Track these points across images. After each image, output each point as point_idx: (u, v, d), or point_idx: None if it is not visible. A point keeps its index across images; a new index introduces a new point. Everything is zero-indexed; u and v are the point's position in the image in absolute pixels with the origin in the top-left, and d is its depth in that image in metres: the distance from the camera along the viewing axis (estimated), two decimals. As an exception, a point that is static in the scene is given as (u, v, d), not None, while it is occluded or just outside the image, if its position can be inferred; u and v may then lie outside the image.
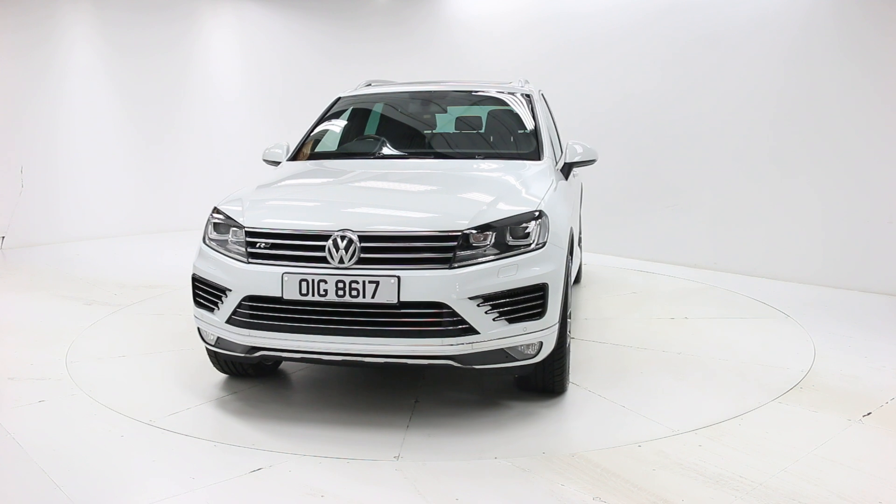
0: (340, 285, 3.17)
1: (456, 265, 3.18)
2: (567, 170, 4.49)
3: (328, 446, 3.23)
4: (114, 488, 2.89)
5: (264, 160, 4.80)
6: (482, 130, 4.94)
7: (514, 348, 3.31)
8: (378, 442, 3.29)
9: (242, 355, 3.48)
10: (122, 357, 4.48)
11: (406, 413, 3.61)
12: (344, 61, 10.38)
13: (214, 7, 10.10)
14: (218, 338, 3.53)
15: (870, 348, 4.63)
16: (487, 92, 5.02)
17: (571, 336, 4.20)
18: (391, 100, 5.13)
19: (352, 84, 5.59)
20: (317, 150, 4.76)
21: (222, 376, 4.11)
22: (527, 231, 3.36)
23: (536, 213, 3.41)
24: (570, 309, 3.95)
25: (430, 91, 5.08)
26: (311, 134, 4.87)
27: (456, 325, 3.16)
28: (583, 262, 6.87)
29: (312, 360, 3.44)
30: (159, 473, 3.00)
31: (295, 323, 3.26)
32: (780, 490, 2.83)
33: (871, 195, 6.14)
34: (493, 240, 3.27)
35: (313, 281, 3.20)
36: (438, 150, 4.60)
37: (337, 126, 5.03)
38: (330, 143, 4.90)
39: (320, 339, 3.24)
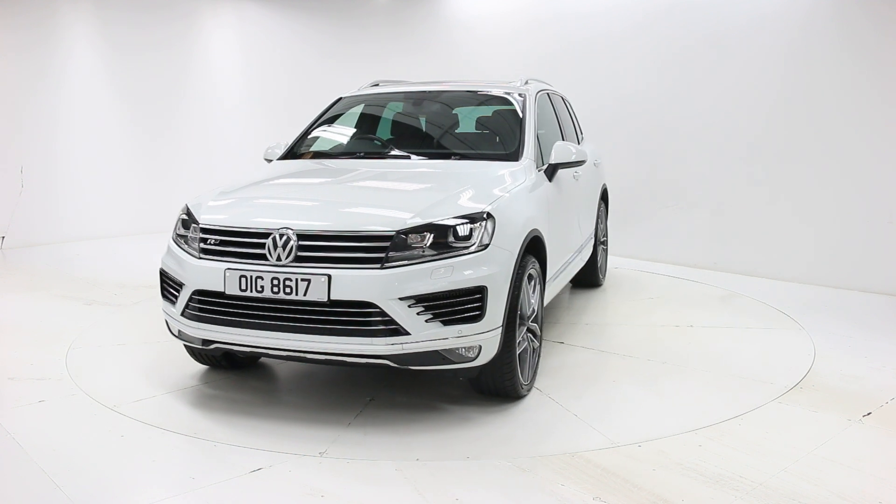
0: (276, 282, 3.24)
1: (388, 265, 3.19)
2: (551, 171, 4.38)
3: (328, 446, 3.23)
4: (114, 488, 2.89)
5: (265, 159, 4.87)
6: (469, 130, 4.91)
7: (450, 350, 3.27)
8: (380, 442, 3.30)
9: (201, 347, 3.61)
10: (122, 357, 4.48)
11: (409, 413, 3.61)
12: (344, 60, 10.38)
13: (214, 7, 10.10)
14: (179, 330, 3.65)
15: (870, 348, 4.63)
16: (482, 92, 4.98)
17: (543, 339, 4.15)
18: (386, 100, 5.16)
19: (354, 83, 5.61)
20: (308, 149, 4.83)
21: (222, 377, 4.11)
22: (469, 233, 3.32)
23: (482, 215, 3.37)
24: (537, 311, 3.88)
25: (425, 91, 5.06)
26: (306, 134, 4.96)
27: (386, 326, 3.16)
28: (608, 265, 6.75)
29: (260, 354, 3.56)
30: (159, 473, 3.00)
31: (237, 317, 3.36)
32: (780, 490, 2.83)
33: (870, 195, 6.13)
34: (430, 241, 3.25)
35: (251, 277, 3.29)
36: (417, 151, 4.53)
37: (332, 126, 5.11)
38: (322, 143, 4.96)
39: (260, 334, 3.32)
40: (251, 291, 3.29)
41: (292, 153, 4.80)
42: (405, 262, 3.20)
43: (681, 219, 7.42)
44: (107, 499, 2.81)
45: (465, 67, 9.13)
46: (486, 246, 3.31)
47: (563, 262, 4.74)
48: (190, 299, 3.48)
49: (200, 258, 3.49)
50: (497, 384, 3.60)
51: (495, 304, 3.32)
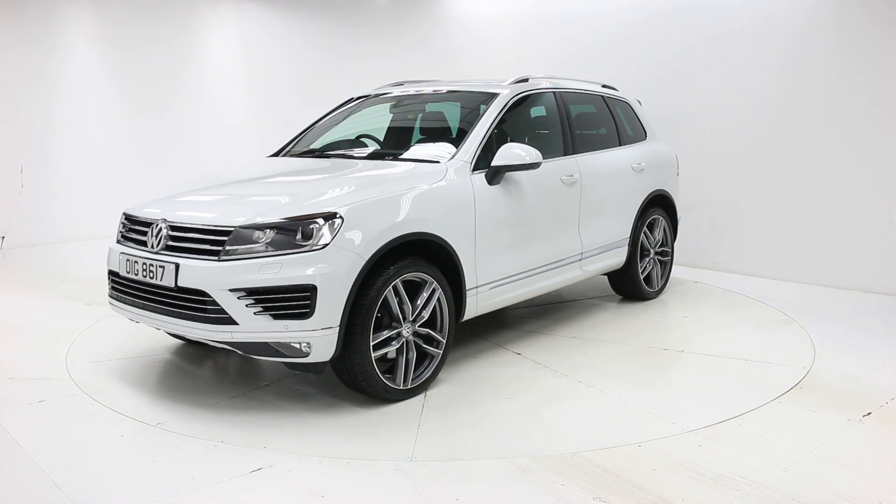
0: (145, 267, 3.64)
1: (224, 258, 3.39)
2: (493, 174, 4.21)
3: (328, 446, 3.23)
4: (114, 488, 2.89)
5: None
6: (433, 129, 4.92)
7: (283, 344, 3.39)
8: (380, 442, 3.30)
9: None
10: (122, 357, 4.48)
11: (409, 413, 3.61)
12: (344, 58, 10.37)
13: (214, 6, 10.09)
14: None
15: (870, 348, 4.62)
16: (457, 92, 4.95)
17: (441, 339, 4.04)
18: (377, 102, 5.26)
19: (353, 81, 5.71)
20: (292, 147, 5.09)
21: (222, 376, 4.12)
22: (310, 232, 3.40)
23: (325, 215, 3.44)
24: (446, 318, 3.88)
25: (409, 93, 5.13)
26: (301, 133, 5.23)
27: (218, 314, 3.36)
28: (667, 279, 6.13)
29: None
30: (159, 473, 3.00)
31: (127, 296, 3.81)
32: (780, 490, 2.83)
33: (870, 195, 6.13)
34: (271, 237, 3.40)
35: (130, 261, 3.75)
36: (361, 153, 4.71)
37: (323, 125, 5.28)
38: (304, 142, 5.16)
39: (140, 313, 3.72)
40: (132, 274, 3.72)
41: (289, 152, 5.05)
42: (241, 256, 3.38)
43: (680, 219, 7.41)
44: (107, 499, 2.81)
45: (466, 67, 9.13)
46: (325, 246, 3.38)
47: (523, 270, 4.47)
48: (108, 278, 4.01)
49: (117, 242, 4.00)
50: (355, 384, 3.63)
51: (329, 304, 3.36)
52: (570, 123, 5.07)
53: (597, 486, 2.86)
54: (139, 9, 9.27)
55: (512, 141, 4.46)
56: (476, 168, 4.20)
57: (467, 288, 4.06)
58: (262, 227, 3.41)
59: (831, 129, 6.33)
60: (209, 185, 4.16)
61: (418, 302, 3.77)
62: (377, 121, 5.16)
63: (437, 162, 4.15)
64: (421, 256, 3.80)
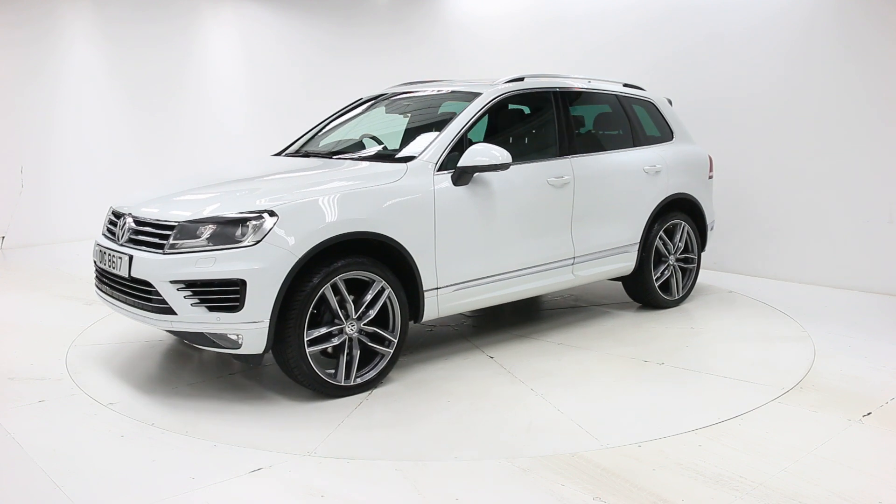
0: (108, 257, 3.91)
1: (169, 251, 3.58)
2: (459, 175, 4.17)
3: (328, 446, 3.23)
4: (114, 488, 2.89)
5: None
6: (416, 130, 4.89)
7: (218, 335, 3.56)
8: (380, 442, 3.29)
9: None
10: (122, 357, 4.48)
11: (409, 412, 3.61)
12: (344, 57, 10.37)
13: (214, 5, 10.09)
14: None
15: (870, 348, 4.62)
16: (443, 92, 4.94)
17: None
18: (378, 102, 5.28)
19: (353, 80, 5.75)
20: (294, 147, 5.18)
21: (221, 377, 4.11)
22: (246, 228, 3.55)
23: (260, 214, 3.57)
24: (396, 317, 3.92)
25: (404, 93, 5.15)
26: (307, 133, 5.28)
27: (160, 304, 3.58)
28: (688, 290, 5.76)
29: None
30: (159, 473, 3.00)
31: (104, 286, 4.05)
32: (780, 490, 2.83)
33: (870, 195, 6.13)
34: (211, 232, 3.56)
35: (99, 251, 4.05)
36: (336, 153, 4.78)
37: (330, 125, 5.33)
38: (313, 142, 5.22)
39: (110, 300, 3.96)
40: (102, 264, 3.99)
41: (291, 152, 5.12)
42: (183, 250, 3.56)
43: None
44: (107, 499, 2.81)
45: (470, 67, 9.12)
46: (258, 243, 3.51)
47: (495, 273, 4.40)
48: (94, 267, 4.20)
49: (103, 235, 4.19)
50: (293, 377, 3.75)
51: (259, 299, 3.49)
52: (568, 124, 4.96)
53: (597, 486, 2.86)
54: (139, 8, 9.27)
55: (494, 141, 4.44)
56: (444, 168, 4.19)
57: (425, 289, 4.07)
58: (203, 223, 3.59)
59: (831, 129, 6.32)
60: (190, 183, 4.26)
61: (364, 300, 3.82)
62: (377, 121, 5.17)
63: (402, 162, 4.18)
64: (375, 256, 3.87)
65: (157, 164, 9.62)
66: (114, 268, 3.83)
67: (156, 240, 3.69)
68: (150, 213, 3.84)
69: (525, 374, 4.16)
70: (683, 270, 5.69)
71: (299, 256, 3.56)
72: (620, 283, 5.59)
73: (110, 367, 4.29)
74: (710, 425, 3.43)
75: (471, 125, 4.42)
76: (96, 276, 4.19)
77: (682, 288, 5.68)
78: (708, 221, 5.87)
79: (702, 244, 5.84)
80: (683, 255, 5.66)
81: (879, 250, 6.10)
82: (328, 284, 3.65)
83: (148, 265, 3.61)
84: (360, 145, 4.93)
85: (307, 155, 4.87)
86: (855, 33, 6.14)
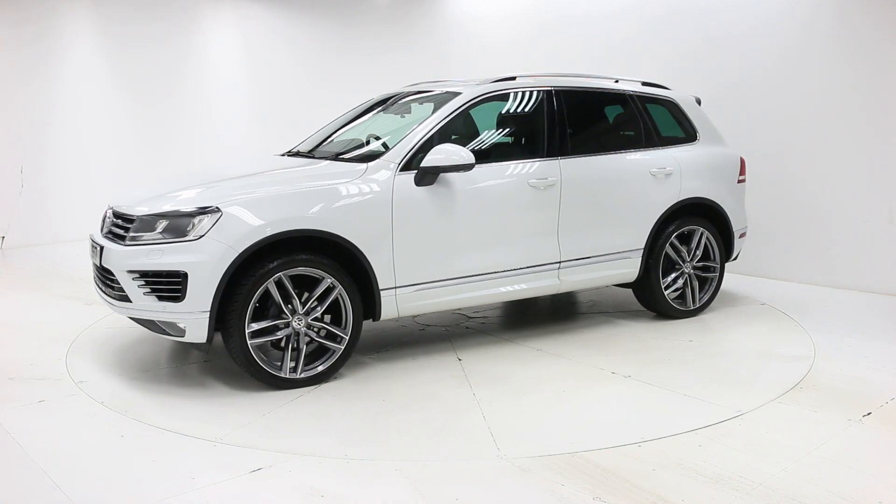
0: (93, 249, 4.15)
1: (129, 243, 3.83)
2: (421, 175, 4.15)
3: (328, 446, 3.23)
4: (114, 488, 2.89)
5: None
6: (393, 131, 4.92)
7: (168, 323, 3.77)
8: (381, 442, 3.30)
9: None
10: (121, 357, 4.48)
11: (409, 412, 3.61)
12: (344, 56, 10.37)
13: (214, 5, 10.09)
14: None
15: (870, 348, 4.62)
16: (432, 93, 4.92)
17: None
18: (379, 102, 5.29)
19: (353, 79, 5.74)
20: (298, 147, 5.22)
21: (222, 376, 4.12)
22: (191, 223, 3.75)
23: (204, 210, 3.76)
24: (350, 309, 3.99)
25: (418, 92, 5.14)
26: (314, 133, 5.32)
27: (120, 291, 3.84)
28: (705, 299, 5.40)
29: None
30: (159, 473, 3.00)
31: (95, 278, 4.27)
32: (780, 490, 2.83)
33: (870, 195, 6.13)
34: (164, 226, 3.79)
35: (91, 244, 4.24)
36: (323, 152, 4.86)
37: (332, 125, 5.36)
38: (312, 142, 5.23)
39: (99, 292, 4.17)
40: (91, 255, 4.21)
41: (294, 152, 5.15)
42: (140, 242, 3.80)
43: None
44: (107, 499, 2.81)
45: (472, 67, 9.12)
46: (201, 237, 3.70)
47: (463, 275, 4.33)
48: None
49: (99, 230, 4.33)
50: (238, 364, 3.90)
51: (200, 290, 3.68)
52: (561, 125, 4.78)
53: (597, 486, 2.86)
54: (138, 7, 9.26)
55: (476, 142, 4.45)
56: (409, 168, 4.19)
57: (381, 288, 4.10)
58: (159, 217, 3.82)
59: (831, 129, 6.32)
60: (177, 181, 4.41)
61: (313, 296, 3.92)
62: (384, 121, 5.16)
63: (364, 161, 4.24)
64: (330, 253, 3.96)
65: (157, 163, 9.62)
66: (94, 258, 4.11)
67: (121, 231, 3.95)
68: (121, 206, 4.10)
69: (479, 378, 4.08)
70: (702, 280, 5.40)
71: (239, 251, 3.71)
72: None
73: (110, 367, 4.29)
74: (710, 425, 3.43)
75: (443, 126, 4.38)
76: (93, 272, 4.36)
77: (700, 298, 5.36)
78: (735, 229, 5.49)
79: (727, 253, 5.50)
80: (702, 264, 5.36)
81: (879, 250, 6.10)
82: (271, 280, 3.78)
83: (112, 255, 3.86)
84: (362, 146, 4.91)
85: (299, 154, 4.94)
86: (855, 33, 6.14)
